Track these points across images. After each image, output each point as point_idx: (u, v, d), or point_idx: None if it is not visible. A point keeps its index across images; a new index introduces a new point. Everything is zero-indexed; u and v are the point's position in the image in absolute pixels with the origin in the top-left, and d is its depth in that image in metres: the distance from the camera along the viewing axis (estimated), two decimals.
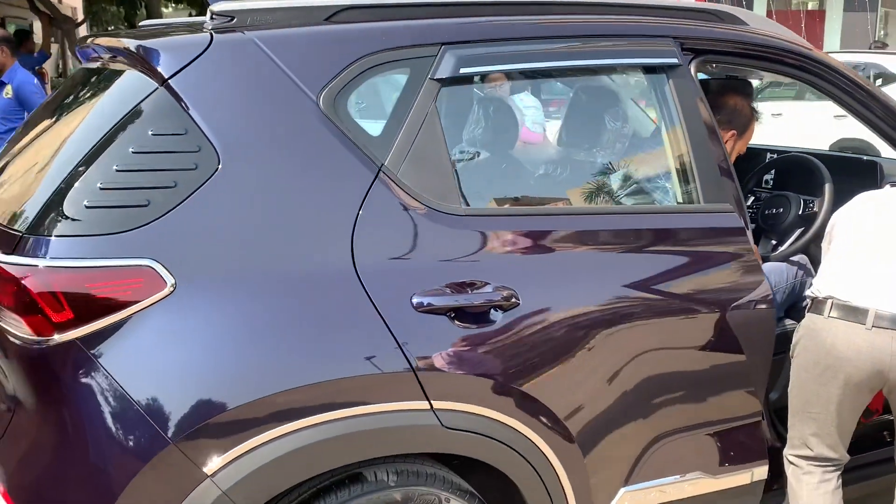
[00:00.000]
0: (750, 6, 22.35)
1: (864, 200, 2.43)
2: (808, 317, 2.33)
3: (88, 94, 2.11)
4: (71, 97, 2.25)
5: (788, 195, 2.99)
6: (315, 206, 1.85)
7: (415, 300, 1.86)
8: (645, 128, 2.47)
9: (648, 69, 2.34)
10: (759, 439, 2.39)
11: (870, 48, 12.22)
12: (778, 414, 2.59)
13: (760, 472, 2.39)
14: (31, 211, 1.74)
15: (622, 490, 2.18)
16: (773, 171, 3.32)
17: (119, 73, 2.03)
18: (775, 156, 3.42)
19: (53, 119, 2.19)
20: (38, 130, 2.19)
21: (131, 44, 1.97)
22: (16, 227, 1.74)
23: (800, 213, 2.93)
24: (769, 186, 3.25)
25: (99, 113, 1.92)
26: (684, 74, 2.33)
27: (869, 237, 2.32)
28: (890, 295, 2.19)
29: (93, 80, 2.16)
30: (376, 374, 1.81)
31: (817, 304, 2.30)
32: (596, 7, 2.30)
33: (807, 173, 3.04)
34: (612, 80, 2.60)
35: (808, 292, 2.39)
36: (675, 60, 2.30)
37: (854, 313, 2.20)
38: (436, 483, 1.94)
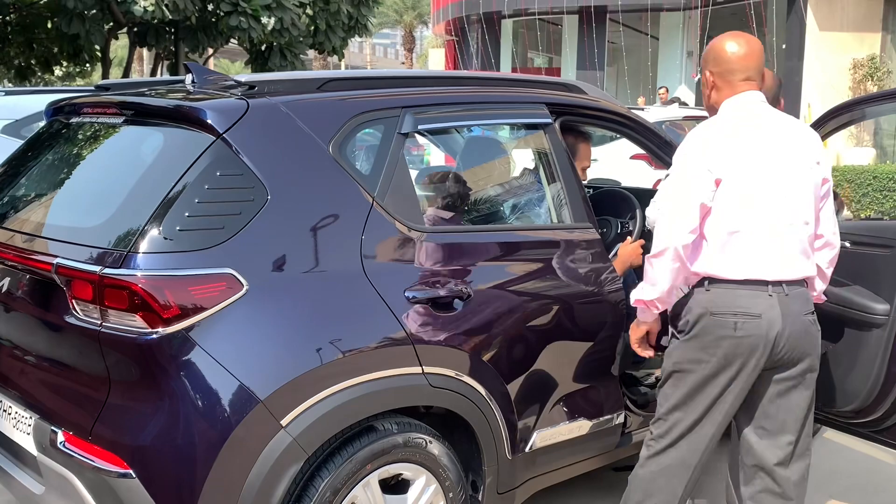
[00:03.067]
0: (498, 65, 24.76)
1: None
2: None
3: (126, 143, 2.61)
4: (91, 144, 2.70)
5: (609, 219, 4.00)
6: (335, 225, 2.49)
7: (407, 293, 2.56)
8: (532, 168, 3.35)
9: (531, 126, 3.22)
10: (620, 394, 3.30)
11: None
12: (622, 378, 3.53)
13: (620, 417, 3.30)
14: (129, 234, 2.23)
15: (535, 433, 2.98)
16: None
17: (150, 125, 2.56)
18: (591, 191, 4.44)
19: (81, 161, 2.65)
20: (68, 172, 2.63)
21: (167, 103, 2.52)
22: (117, 246, 2.22)
23: (618, 231, 3.94)
24: None
25: (163, 159, 2.44)
26: (553, 130, 3.23)
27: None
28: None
29: (119, 131, 2.65)
30: (390, 347, 2.48)
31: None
32: (497, 81, 3.16)
33: (619, 201, 4.08)
34: (508, 133, 3.48)
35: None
36: (548, 120, 3.21)
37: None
38: (421, 430, 2.62)
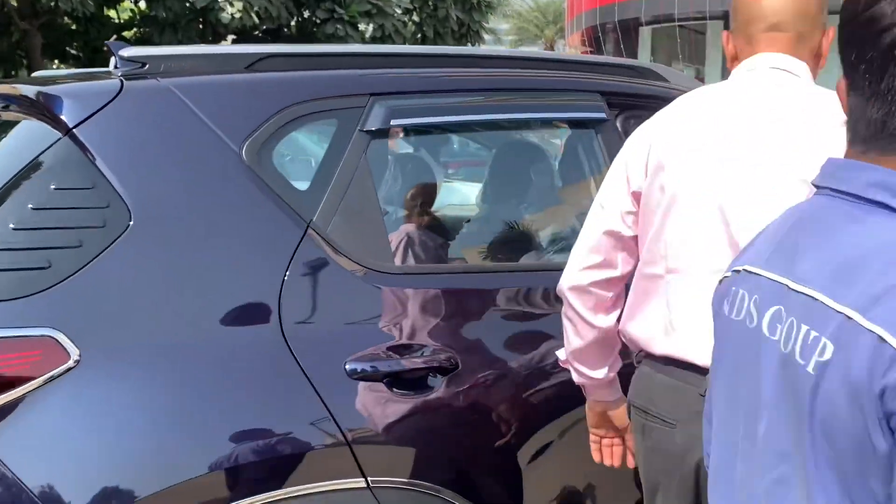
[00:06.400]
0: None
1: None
2: None
3: None
4: None
5: None
6: (239, 268, 1.69)
7: (348, 366, 1.72)
8: (574, 183, 2.43)
9: (577, 123, 2.30)
10: None
11: None
12: None
13: None
14: None
15: None
16: None
17: (14, 123, 1.84)
18: None
19: None
20: None
21: (29, 90, 1.79)
22: None
23: None
24: None
25: None
26: (613, 129, 2.30)
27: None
28: None
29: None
30: (311, 451, 1.64)
31: None
32: (529, 61, 2.27)
33: None
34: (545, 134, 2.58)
35: None
36: (603, 115, 2.28)
37: None
38: None
